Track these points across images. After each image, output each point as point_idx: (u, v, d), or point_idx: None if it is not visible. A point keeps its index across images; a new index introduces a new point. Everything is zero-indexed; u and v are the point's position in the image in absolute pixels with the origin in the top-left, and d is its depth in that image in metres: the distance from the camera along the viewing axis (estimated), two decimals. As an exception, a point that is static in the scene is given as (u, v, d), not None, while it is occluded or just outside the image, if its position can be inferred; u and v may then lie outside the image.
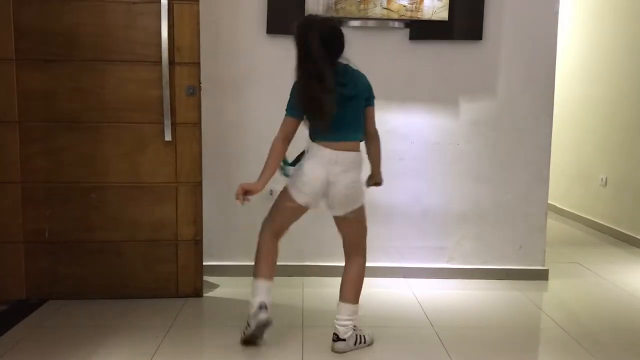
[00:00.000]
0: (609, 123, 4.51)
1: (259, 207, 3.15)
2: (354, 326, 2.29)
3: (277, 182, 3.15)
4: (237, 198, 2.17)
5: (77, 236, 2.75)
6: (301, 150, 2.27)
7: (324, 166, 2.16)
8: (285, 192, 2.27)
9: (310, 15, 2.32)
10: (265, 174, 2.20)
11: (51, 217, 2.73)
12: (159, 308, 2.69)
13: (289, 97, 2.20)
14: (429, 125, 3.16)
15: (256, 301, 2.24)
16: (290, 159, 2.28)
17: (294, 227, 3.13)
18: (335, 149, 2.15)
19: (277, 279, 3.10)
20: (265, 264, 2.29)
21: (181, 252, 2.81)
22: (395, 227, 3.18)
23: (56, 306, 2.69)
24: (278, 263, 3.15)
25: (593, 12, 4.84)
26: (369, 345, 2.32)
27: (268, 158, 2.21)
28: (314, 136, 2.20)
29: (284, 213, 2.28)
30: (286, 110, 2.21)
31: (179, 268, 2.81)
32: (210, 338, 2.44)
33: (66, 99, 2.68)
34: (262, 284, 2.27)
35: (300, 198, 2.22)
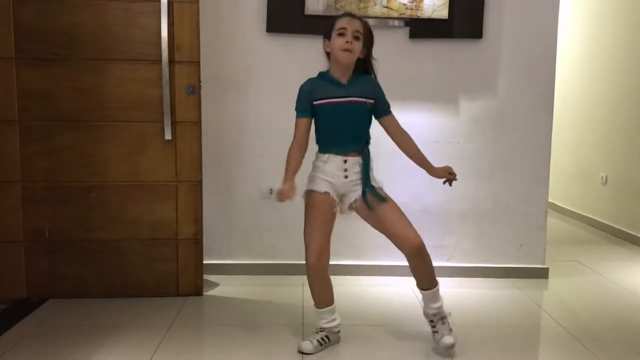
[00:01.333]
0: (609, 121, 4.51)
1: (259, 206, 3.17)
2: (321, 328, 2.27)
3: (279, 181, 3.16)
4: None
5: (78, 235, 2.75)
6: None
7: None
8: None
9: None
10: None
11: (51, 217, 2.73)
12: (159, 307, 2.69)
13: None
14: (429, 124, 3.16)
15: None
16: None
17: (292, 225, 3.14)
18: None
19: (277, 277, 3.13)
20: None
21: (181, 251, 2.81)
22: (396, 226, 3.18)
23: (56, 305, 2.69)
24: (278, 261, 3.18)
25: (593, 11, 4.84)
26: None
27: None
28: None
29: None
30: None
31: (179, 267, 2.82)
32: (211, 337, 2.44)
33: (66, 98, 2.68)
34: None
35: None
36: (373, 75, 2.24)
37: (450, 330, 2.22)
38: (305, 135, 2.20)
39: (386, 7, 2.99)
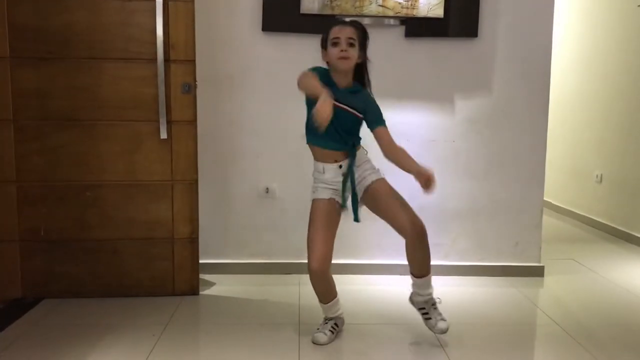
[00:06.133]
0: (604, 120, 4.52)
1: (255, 205, 3.17)
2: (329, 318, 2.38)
3: (275, 180, 3.17)
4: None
5: (73, 235, 2.74)
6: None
7: None
8: None
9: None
10: None
11: (47, 216, 2.72)
12: (155, 306, 2.68)
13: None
14: (425, 123, 3.17)
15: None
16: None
17: (288, 225, 3.15)
18: None
19: (273, 276, 3.14)
20: None
21: (177, 250, 2.80)
22: (392, 225, 3.18)
23: (52, 305, 2.69)
24: (275, 260, 3.18)
25: (587, 9, 4.85)
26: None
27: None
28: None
29: None
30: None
31: (175, 266, 2.81)
32: (207, 336, 2.44)
33: (61, 97, 2.67)
34: None
35: None
36: (367, 81, 2.26)
37: (443, 317, 2.30)
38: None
39: (382, 5, 2.99)
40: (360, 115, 2.21)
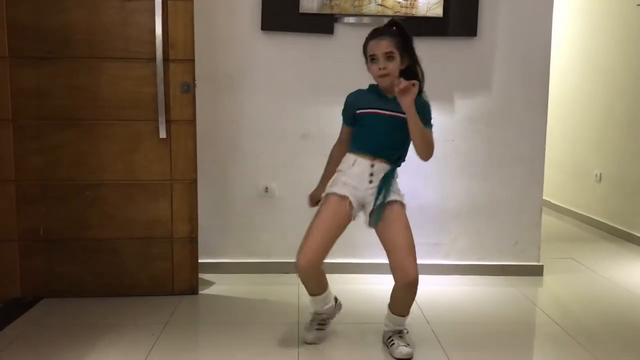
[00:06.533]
0: (604, 119, 4.52)
1: (254, 204, 3.17)
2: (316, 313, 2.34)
3: (274, 180, 3.17)
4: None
5: (72, 234, 2.74)
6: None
7: None
8: None
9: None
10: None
11: (46, 215, 2.72)
12: (155, 306, 2.68)
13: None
14: (424, 122, 3.16)
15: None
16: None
17: (288, 224, 3.15)
18: None
19: (272, 276, 3.14)
20: None
21: (177, 250, 2.80)
22: (391, 224, 3.18)
23: (51, 304, 2.68)
24: (274, 260, 3.18)
25: (587, 8, 4.85)
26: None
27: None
28: None
29: None
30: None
31: (174, 266, 2.81)
32: (206, 335, 2.44)
33: (60, 96, 2.67)
34: None
35: None
36: (420, 87, 2.14)
37: (408, 344, 2.20)
38: (348, 137, 2.23)
39: (381, 5, 2.99)
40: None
